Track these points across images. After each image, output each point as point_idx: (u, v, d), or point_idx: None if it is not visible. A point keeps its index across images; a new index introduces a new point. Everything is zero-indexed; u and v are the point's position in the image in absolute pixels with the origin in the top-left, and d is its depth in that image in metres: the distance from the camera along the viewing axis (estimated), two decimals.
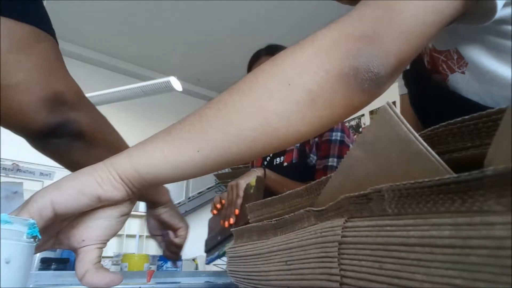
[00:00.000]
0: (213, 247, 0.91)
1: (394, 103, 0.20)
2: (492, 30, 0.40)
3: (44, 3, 0.50)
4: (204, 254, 0.96)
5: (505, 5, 0.37)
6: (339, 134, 1.03)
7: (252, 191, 0.84)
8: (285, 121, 0.30)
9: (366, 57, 0.30)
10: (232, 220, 0.82)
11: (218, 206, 1.01)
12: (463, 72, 0.45)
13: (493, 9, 0.35)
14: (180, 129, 0.31)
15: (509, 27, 0.39)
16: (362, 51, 0.30)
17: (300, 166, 1.04)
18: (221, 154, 0.30)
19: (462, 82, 0.45)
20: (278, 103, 0.30)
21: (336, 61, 0.30)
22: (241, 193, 0.84)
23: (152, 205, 0.63)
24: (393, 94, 0.67)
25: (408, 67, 0.57)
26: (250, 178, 0.90)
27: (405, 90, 0.60)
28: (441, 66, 0.48)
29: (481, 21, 0.37)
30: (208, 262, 0.95)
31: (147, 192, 0.58)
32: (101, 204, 0.30)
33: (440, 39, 0.47)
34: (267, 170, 0.97)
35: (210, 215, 1.04)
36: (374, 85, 0.31)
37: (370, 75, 0.30)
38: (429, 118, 0.52)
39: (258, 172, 0.94)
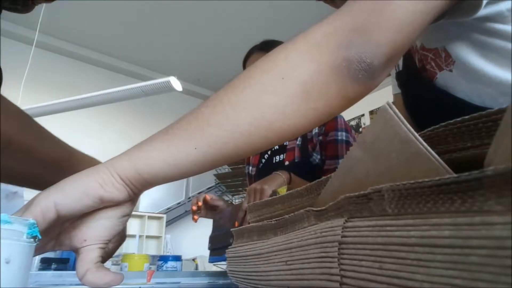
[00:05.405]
0: (222, 247, 0.90)
1: (394, 103, 0.20)
2: (478, 28, 0.40)
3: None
4: (205, 254, 0.95)
5: (490, 3, 0.37)
6: (344, 134, 1.02)
7: None
8: (280, 114, 0.30)
9: (358, 48, 0.30)
10: None
11: (194, 208, 0.99)
12: (450, 70, 0.45)
13: (479, 3, 0.36)
14: (177, 128, 0.31)
15: (494, 25, 0.39)
16: (354, 42, 0.30)
17: (303, 165, 1.02)
18: (218, 150, 0.30)
19: (450, 80, 0.46)
20: (273, 96, 0.30)
21: (328, 53, 0.30)
22: None
23: None
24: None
25: (401, 68, 0.57)
26: (275, 184, 0.84)
27: (398, 90, 0.61)
28: (429, 64, 0.48)
29: (467, 15, 0.38)
30: (213, 261, 0.94)
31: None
32: (103, 205, 0.30)
33: (429, 37, 0.47)
34: (292, 175, 0.91)
35: None
36: (368, 75, 0.31)
37: (363, 66, 0.30)
38: (420, 117, 0.53)
39: (283, 176, 0.89)
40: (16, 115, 0.45)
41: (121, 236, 0.36)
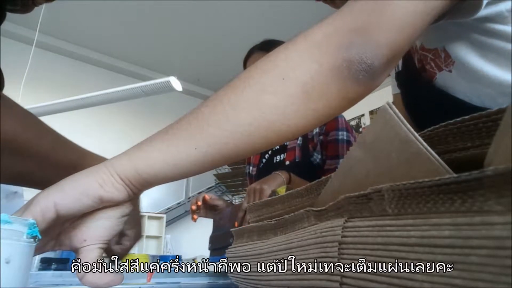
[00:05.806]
0: (222, 247, 0.90)
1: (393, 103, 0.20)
2: (477, 29, 0.40)
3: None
4: (205, 254, 0.96)
5: (490, 4, 0.37)
6: (345, 133, 1.02)
7: None
8: (280, 114, 0.30)
9: (359, 48, 0.30)
10: None
11: (194, 207, 0.99)
12: (450, 71, 0.45)
13: (479, 3, 0.36)
14: (177, 128, 0.31)
15: (494, 25, 0.39)
16: (354, 43, 0.30)
17: (304, 164, 1.02)
18: (218, 150, 0.30)
19: (449, 81, 0.46)
20: (273, 97, 0.30)
21: (329, 54, 0.30)
22: None
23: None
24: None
25: (400, 68, 0.57)
26: (275, 184, 0.85)
27: (398, 90, 0.61)
28: (429, 64, 0.48)
29: (467, 15, 0.38)
30: (213, 261, 0.94)
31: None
32: (103, 205, 0.30)
33: (428, 38, 0.47)
34: (292, 175, 0.91)
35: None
36: (369, 76, 0.31)
37: (364, 66, 0.30)
38: (420, 117, 0.53)
39: (283, 176, 0.89)
40: (32, 121, 0.46)
41: (137, 233, 0.36)
